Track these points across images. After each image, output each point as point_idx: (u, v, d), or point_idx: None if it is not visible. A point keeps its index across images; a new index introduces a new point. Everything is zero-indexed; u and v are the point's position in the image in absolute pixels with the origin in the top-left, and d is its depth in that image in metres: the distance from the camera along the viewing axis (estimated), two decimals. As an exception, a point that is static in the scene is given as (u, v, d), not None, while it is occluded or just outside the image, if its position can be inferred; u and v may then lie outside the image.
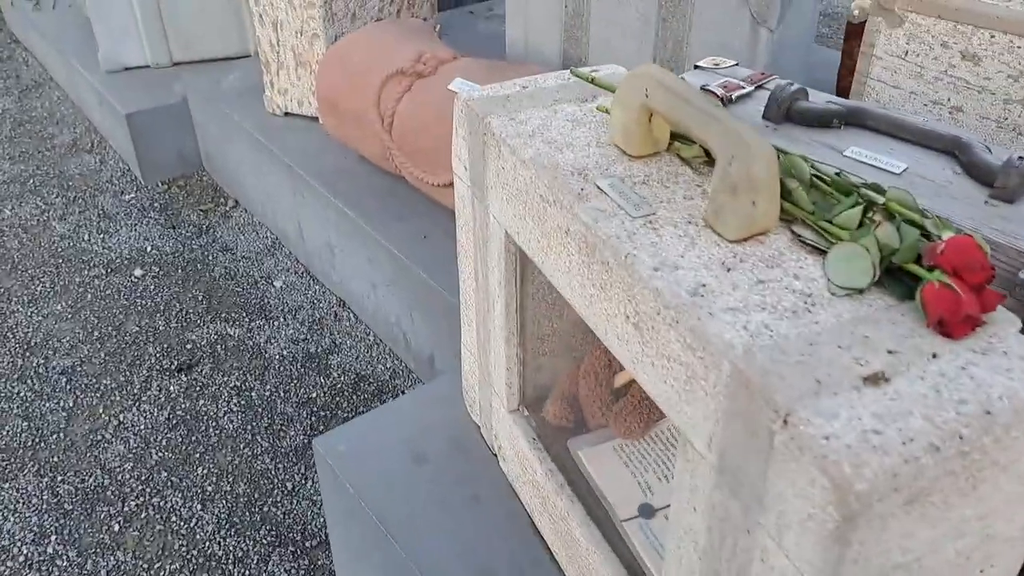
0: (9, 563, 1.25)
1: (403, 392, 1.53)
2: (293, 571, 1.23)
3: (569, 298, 0.64)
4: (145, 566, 1.24)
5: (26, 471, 1.40)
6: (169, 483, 1.37)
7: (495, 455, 0.93)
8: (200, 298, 1.78)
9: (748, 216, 0.54)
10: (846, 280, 0.51)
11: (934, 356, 0.46)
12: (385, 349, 1.62)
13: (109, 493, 1.35)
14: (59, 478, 1.38)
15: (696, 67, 1.02)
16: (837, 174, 0.57)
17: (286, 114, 1.85)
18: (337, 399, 1.53)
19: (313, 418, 1.50)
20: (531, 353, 0.83)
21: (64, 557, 1.26)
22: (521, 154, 0.67)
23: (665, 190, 0.61)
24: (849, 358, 0.46)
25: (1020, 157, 0.74)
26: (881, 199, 0.54)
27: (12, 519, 1.32)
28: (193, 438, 1.46)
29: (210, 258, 1.91)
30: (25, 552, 1.27)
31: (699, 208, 0.59)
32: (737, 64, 1.01)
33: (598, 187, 0.62)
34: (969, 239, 0.48)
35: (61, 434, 1.47)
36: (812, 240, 0.54)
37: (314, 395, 1.54)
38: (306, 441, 1.45)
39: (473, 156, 0.76)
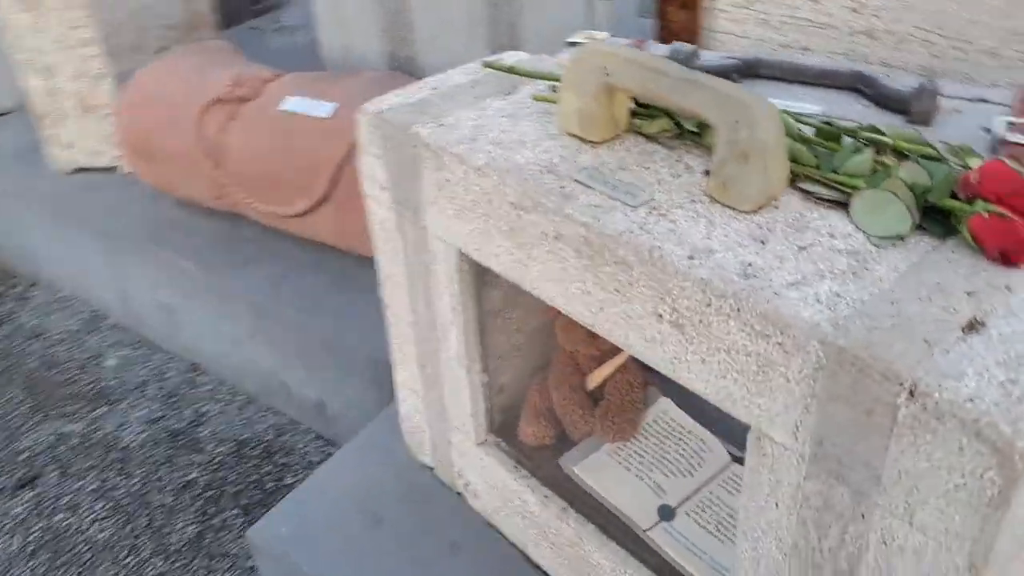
0: None
1: (298, 448, 1.39)
2: None
3: (566, 308, 0.58)
4: None
5: None
6: (50, 622, 1.16)
7: (460, 494, 0.85)
8: (21, 398, 1.53)
9: (762, 183, 0.50)
10: (884, 229, 0.48)
11: (1008, 288, 0.44)
12: (261, 406, 1.47)
13: (-24, 656, 1.13)
14: (-97, 657, 1.13)
15: (569, 43, 0.97)
16: (826, 123, 0.55)
17: (78, 170, 1.63)
18: (222, 474, 1.37)
19: (200, 502, 1.33)
20: (493, 376, 0.76)
21: None
22: (472, 161, 0.59)
23: (647, 172, 0.56)
24: (937, 309, 0.43)
25: (928, 80, 0.76)
26: (888, 140, 0.51)
27: None
28: (61, 560, 1.25)
29: (18, 349, 1.65)
30: None
31: (695, 184, 0.54)
32: (609, 35, 0.98)
33: (579, 182, 0.55)
34: (1001, 163, 0.47)
35: None
36: (826, 195, 0.51)
37: (192, 476, 1.37)
38: (199, 531, 1.28)
39: (398, 173, 0.67)
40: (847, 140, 0.53)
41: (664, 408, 0.78)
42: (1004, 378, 0.39)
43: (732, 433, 0.77)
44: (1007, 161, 0.47)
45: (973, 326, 0.42)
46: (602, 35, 0.97)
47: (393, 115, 0.65)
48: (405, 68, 1.48)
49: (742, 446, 0.77)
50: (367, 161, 0.70)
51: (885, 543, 0.45)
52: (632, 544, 0.69)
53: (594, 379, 0.76)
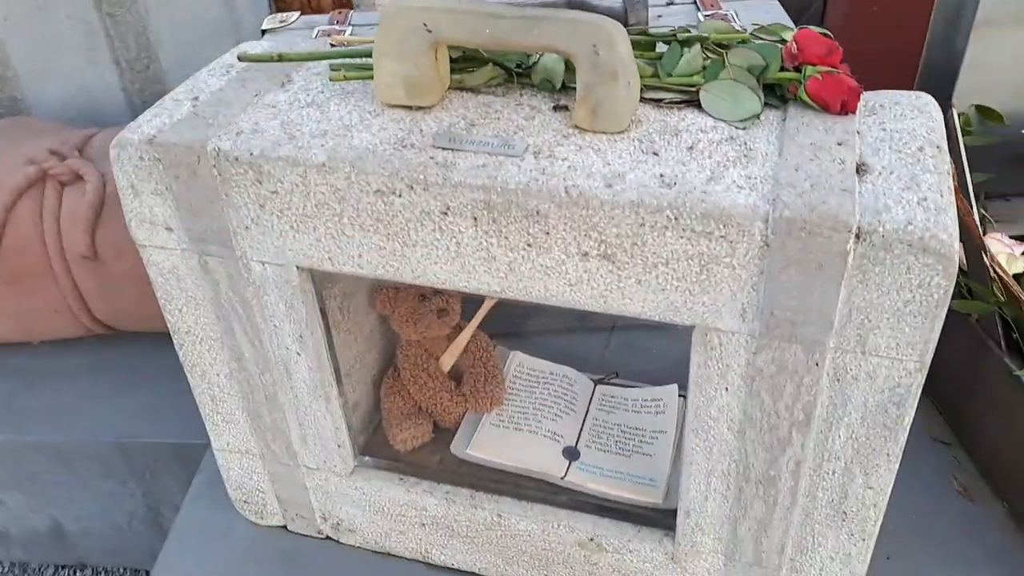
0: None
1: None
2: None
3: (465, 284, 0.54)
4: None
5: None
6: None
7: (329, 538, 0.77)
8: None
9: (630, 99, 0.52)
10: (741, 112, 0.53)
11: (859, 132, 0.51)
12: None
13: None
14: None
15: (264, 31, 0.89)
16: (643, 32, 0.57)
17: None
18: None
19: None
20: (346, 397, 0.69)
21: None
22: (309, 159, 0.52)
23: (500, 122, 0.54)
24: (828, 163, 0.48)
25: (632, -7, 0.83)
26: (702, 34, 0.56)
27: None
28: None
29: None
30: None
31: (553, 121, 0.54)
32: (300, 13, 0.91)
33: (445, 148, 0.52)
34: (809, 31, 0.54)
35: None
36: (676, 98, 0.54)
37: None
38: None
39: (192, 206, 0.56)
40: (663, 46, 0.57)
41: (519, 361, 0.78)
42: (916, 199, 0.46)
43: (581, 361, 0.80)
44: (811, 28, 0.54)
45: (861, 168, 0.48)
46: (293, 15, 0.90)
47: (172, 137, 0.54)
48: (13, 111, 1.23)
49: (596, 370, 0.80)
50: (136, 204, 0.58)
51: (839, 379, 0.51)
52: (552, 496, 0.68)
53: (448, 359, 0.73)
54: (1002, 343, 0.73)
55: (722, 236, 0.47)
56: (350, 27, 0.87)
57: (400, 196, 0.51)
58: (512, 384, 0.76)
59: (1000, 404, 0.75)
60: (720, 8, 0.86)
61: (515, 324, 0.89)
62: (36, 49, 1.18)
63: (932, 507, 0.78)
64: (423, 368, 0.71)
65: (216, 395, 0.68)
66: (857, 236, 0.45)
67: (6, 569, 1.15)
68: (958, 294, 0.76)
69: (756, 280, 0.48)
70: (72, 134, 1.06)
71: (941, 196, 0.46)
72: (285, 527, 0.78)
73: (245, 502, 0.77)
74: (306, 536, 0.77)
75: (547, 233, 0.50)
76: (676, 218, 0.47)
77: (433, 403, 0.71)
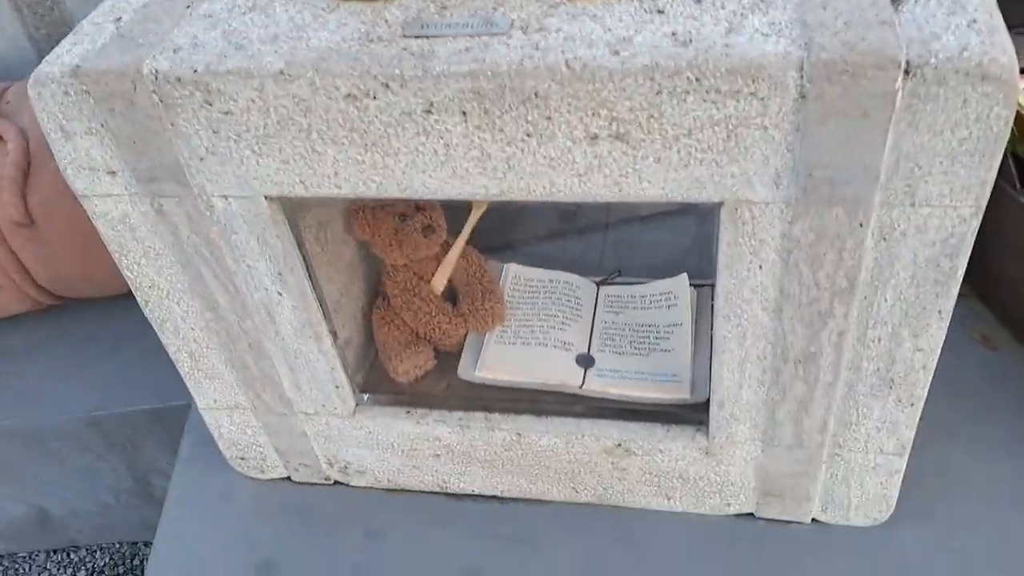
0: None
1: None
2: None
3: (457, 191, 0.48)
4: None
5: None
6: None
7: (337, 483, 0.72)
8: None
9: (618, -48, 0.45)
10: (747, -46, 0.46)
11: (879, -40, 0.45)
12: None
13: None
14: None
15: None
16: None
17: None
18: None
19: None
20: (339, 333, 0.63)
21: None
22: (266, 68, 0.45)
23: (476, 0, 0.47)
24: (857, -3, 0.42)
25: None
26: None
27: None
28: None
29: None
30: None
31: (534, -10, 0.47)
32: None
33: (419, 37, 0.45)
34: None
35: None
36: (669, -53, 0.48)
37: None
38: None
39: (135, 142, 0.49)
40: None
41: (515, 273, 0.73)
42: (965, 23, 0.40)
43: (578, 265, 0.75)
44: None
45: (895, 1, 0.42)
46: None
47: (99, 63, 0.46)
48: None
49: (596, 272, 0.75)
50: (69, 148, 0.50)
51: (885, 238, 0.46)
52: (572, 407, 0.64)
53: (440, 280, 0.67)
54: (1017, 183, 0.70)
55: (751, 93, 0.41)
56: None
57: (375, 98, 0.44)
58: (511, 297, 0.71)
59: (1017, 247, 0.72)
60: None
61: (501, 236, 0.84)
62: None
63: (954, 362, 0.75)
64: (414, 293, 0.66)
65: (194, 351, 0.62)
66: (906, 72, 0.39)
67: (-5, 563, 1.09)
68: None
69: (791, 139, 0.43)
70: (-21, 91, 0.95)
71: (991, 16, 0.41)
72: (289, 478, 0.73)
73: (242, 459, 0.72)
74: (313, 484, 0.73)
75: (548, 118, 0.44)
76: (698, 79, 0.41)
77: (431, 328, 0.66)
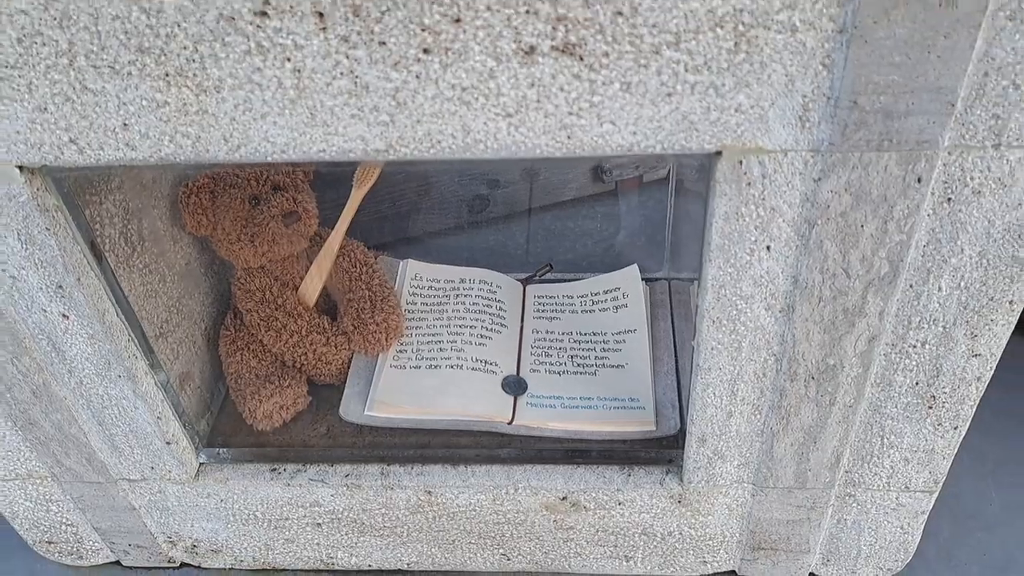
0: None
1: None
2: None
3: (318, 150, 0.31)
4: None
5: None
6: None
7: (185, 565, 0.54)
8: None
9: None
10: None
11: None
12: None
13: None
14: None
15: None
16: None
17: None
18: None
19: None
20: (168, 369, 0.45)
21: None
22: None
23: None
24: None
25: None
26: None
27: None
28: None
29: None
30: None
31: None
32: None
33: None
34: None
35: None
36: None
37: None
38: None
39: None
40: None
41: (415, 272, 0.55)
42: None
43: (495, 259, 0.58)
44: None
45: None
46: None
47: None
48: None
49: (519, 267, 0.59)
50: None
51: (950, 199, 0.32)
52: (500, 450, 0.48)
53: (311, 286, 0.49)
54: None
55: (777, -30, 0.26)
56: None
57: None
58: (411, 305, 0.53)
59: None
60: None
61: (393, 227, 0.66)
62: None
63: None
64: (276, 306, 0.48)
65: (-46, 407, 0.43)
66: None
67: None
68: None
69: (831, 47, 0.28)
70: None
71: None
72: (119, 562, 0.54)
73: (49, 543, 0.53)
74: (152, 569, 0.54)
75: (457, 20, 0.28)
76: (695, -54, 0.26)
77: (300, 352, 0.48)
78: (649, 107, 0.30)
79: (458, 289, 0.54)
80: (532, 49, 0.28)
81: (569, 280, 0.56)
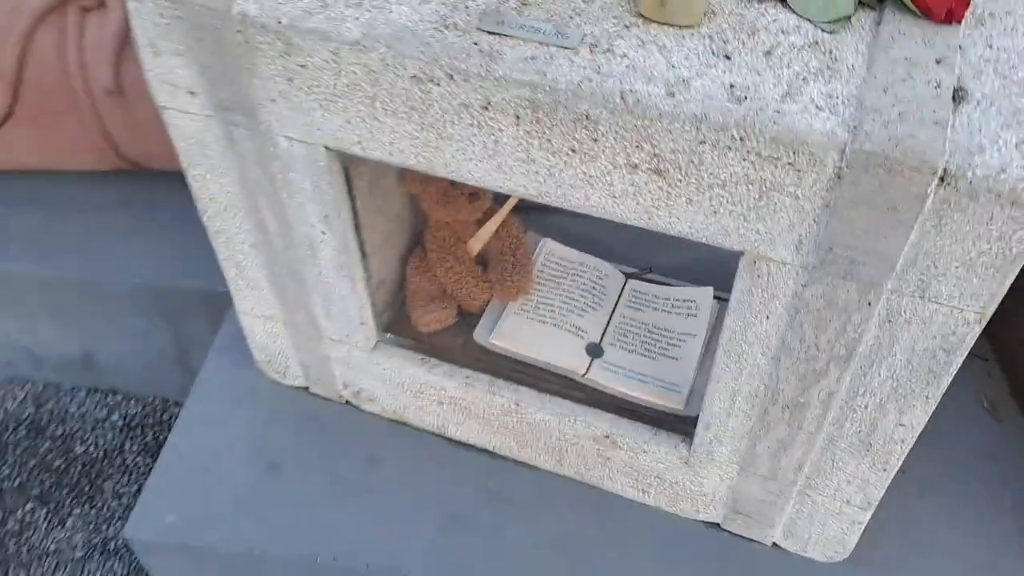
0: None
1: (71, 411, 1.18)
2: None
3: (500, 185, 0.51)
4: None
5: None
6: None
7: (348, 403, 0.77)
8: None
9: (700, -9, 0.46)
10: (832, 12, 0.46)
11: (961, 48, 0.45)
12: (3, 381, 1.21)
13: None
14: None
15: None
16: (723, -91, 0.50)
17: None
18: (-9, 474, 1.13)
19: (-20, 515, 1.10)
20: (371, 275, 0.67)
21: None
22: (342, 35, 0.47)
23: (556, 2, 0.48)
24: (923, 86, 0.43)
25: None
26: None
27: None
28: None
29: None
30: None
31: (617, 6, 0.48)
32: None
33: (491, 32, 0.47)
34: (916, -75, 0.46)
35: None
36: (754, -10, 0.48)
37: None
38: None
39: (217, 72, 0.52)
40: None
41: (550, 249, 0.75)
42: (1015, 140, 0.41)
43: (615, 252, 0.77)
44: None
45: (958, 95, 0.43)
46: None
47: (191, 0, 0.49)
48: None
49: (631, 262, 0.77)
50: (157, 64, 0.53)
51: (890, 321, 0.48)
52: (571, 391, 0.68)
53: (476, 243, 0.70)
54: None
55: (790, 163, 0.43)
56: None
57: (438, 85, 0.47)
58: (540, 273, 0.73)
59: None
60: None
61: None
62: None
63: (954, 420, 0.76)
64: (450, 251, 0.69)
65: (241, 262, 0.67)
66: (941, 179, 0.40)
67: (40, 389, 1.19)
68: None
69: (819, 213, 0.44)
70: (94, -48, 0.99)
71: (1044, 141, 0.41)
72: (307, 389, 0.79)
73: (268, 363, 0.78)
74: (327, 400, 0.78)
75: (595, 140, 0.46)
76: (742, 139, 0.42)
77: (459, 287, 0.70)
78: (701, 216, 0.47)
79: (577, 270, 0.74)
80: (635, 166, 0.46)
81: (661, 284, 0.74)
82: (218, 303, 0.98)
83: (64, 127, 0.97)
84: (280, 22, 0.48)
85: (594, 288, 0.73)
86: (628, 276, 0.75)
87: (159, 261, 1.00)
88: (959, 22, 0.46)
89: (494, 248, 0.71)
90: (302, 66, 0.49)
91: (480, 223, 0.70)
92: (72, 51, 0.92)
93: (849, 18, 0.46)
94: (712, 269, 0.79)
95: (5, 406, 1.19)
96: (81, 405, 1.19)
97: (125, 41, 0.92)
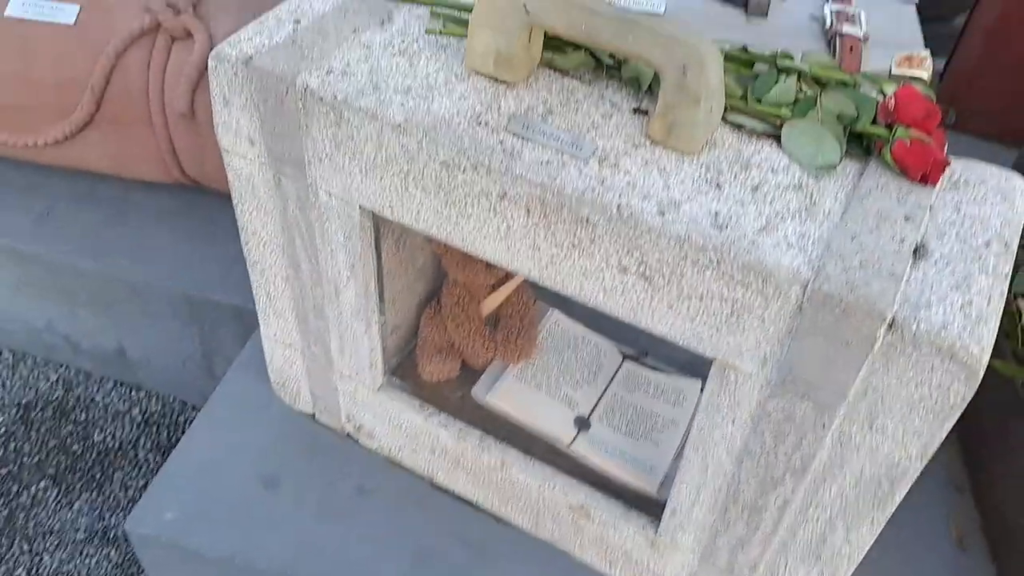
0: None
1: (97, 400, 1.25)
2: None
3: (507, 263, 0.56)
4: None
5: None
6: None
7: (349, 436, 0.83)
8: None
9: (706, 124, 0.51)
10: (819, 160, 0.52)
11: (931, 208, 0.50)
12: (37, 362, 1.29)
13: None
14: None
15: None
16: (743, 49, 0.56)
17: None
18: (12, 445, 1.21)
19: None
20: (387, 320, 0.72)
21: None
22: (388, 117, 0.53)
23: (578, 115, 0.54)
24: (887, 240, 0.48)
25: (761, -26, 0.79)
26: (802, 66, 0.54)
27: None
28: None
29: None
30: None
31: (628, 125, 0.54)
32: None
33: (516, 134, 0.52)
34: (911, 89, 0.51)
35: None
36: (758, 128, 0.53)
37: (-25, 456, 1.20)
38: (6, 514, 1.13)
39: (275, 128, 0.59)
40: (761, 66, 0.55)
41: (556, 320, 0.80)
42: (961, 302, 0.45)
43: (618, 333, 0.82)
44: (914, 84, 0.52)
45: (919, 252, 0.47)
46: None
47: (266, 62, 0.56)
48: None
49: (631, 343, 0.82)
50: (226, 113, 0.60)
51: (841, 444, 0.52)
52: (555, 458, 0.72)
53: (488, 305, 0.75)
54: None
55: (759, 290, 0.47)
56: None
57: (464, 172, 0.53)
58: (543, 342, 0.78)
59: (1019, 472, 0.75)
60: (850, 4, 0.81)
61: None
62: None
63: (921, 546, 0.79)
64: (463, 309, 0.74)
65: (271, 292, 0.73)
66: (890, 326, 0.45)
67: (72, 373, 1.27)
68: (1006, 355, 0.74)
69: (783, 337, 0.49)
70: (191, -14, 1.08)
71: (988, 303, 0.45)
72: (313, 416, 0.84)
73: (282, 386, 0.83)
74: (331, 429, 0.83)
75: (592, 241, 0.51)
76: (718, 262, 0.47)
77: (466, 344, 0.75)
78: (680, 321, 0.52)
79: (579, 343, 0.79)
80: (625, 268, 0.51)
81: (654, 369, 0.79)
82: (248, 320, 1.05)
83: (136, 139, 1.05)
84: (336, 97, 0.55)
85: (591, 363, 0.77)
86: (625, 357, 0.79)
87: (201, 272, 1.08)
88: (934, 184, 0.50)
89: (504, 311, 0.77)
90: (349, 137, 0.56)
91: (495, 287, 0.75)
92: (155, 73, 1.01)
93: (835, 166, 0.52)
94: (704, 361, 0.84)
95: (38, 386, 1.27)
96: (107, 396, 1.26)
97: (204, 71, 1.01)
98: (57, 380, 1.27)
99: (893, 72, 0.74)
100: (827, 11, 0.79)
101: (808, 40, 0.78)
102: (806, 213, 0.49)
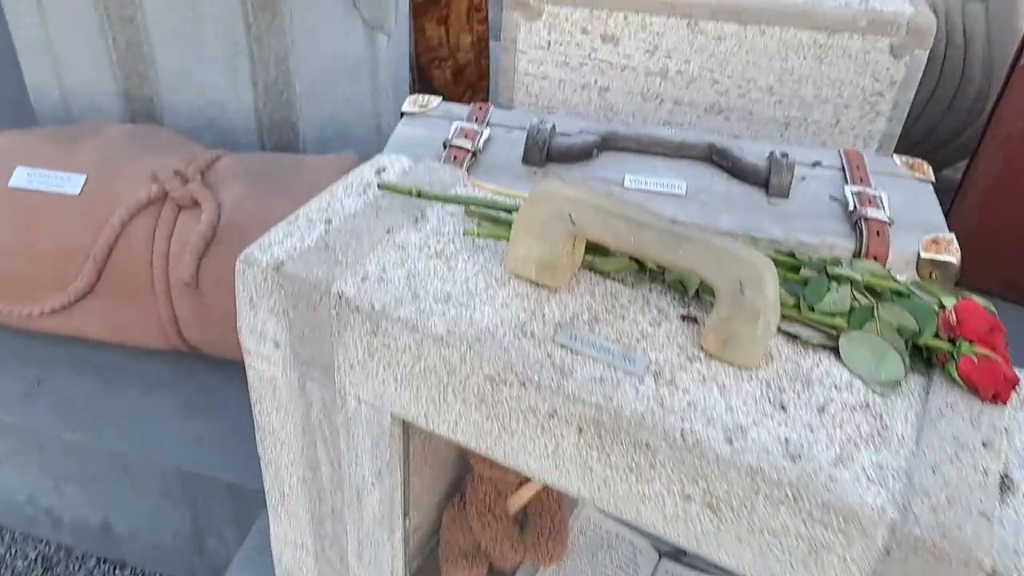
0: None
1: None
2: None
3: (556, 482, 0.52)
4: None
5: None
6: None
7: (362, 640, 0.76)
8: None
9: (764, 339, 0.49)
10: (883, 375, 0.49)
11: (1007, 431, 0.47)
12: (15, 537, 1.20)
13: None
14: None
15: (404, 114, 0.89)
16: (790, 255, 0.54)
17: None
18: (-18, 634, 1.11)
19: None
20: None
21: None
22: (429, 328, 0.51)
23: (625, 322, 0.52)
24: (970, 471, 0.45)
25: (783, 153, 0.80)
26: (855, 275, 0.52)
27: None
28: None
29: None
30: None
31: (679, 335, 0.51)
32: (441, 98, 0.91)
33: (564, 346, 0.50)
34: (973, 303, 0.50)
35: None
36: (815, 340, 0.51)
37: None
38: None
39: (304, 334, 0.56)
40: (808, 271, 0.54)
41: (587, 517, 0.76)
42: (1062, 545, 0.42)
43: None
44: (974, 298, 0.50)
45: (1005, 486, 0.44)
46: (434, 100, 0.90)
47: (299, 268, 0.54)
48: (145, 110, 1.26)
49: (664, 542, 0.77)
50: (252, 315, 0.58)
51: None
52: (594, 675, 0.66)
53: (516, 502, 0.71)
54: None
55: (841, 530, 0.44)
56: (488, 128, 0.86)
57: (510, 387, 0.50)
58: (575, 541, 0.74)
59: None
60: (869, 185, 0.81)
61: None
62: (180, 56, 1.20)
63: None
64: (490, 508, 0.70)
65: (285, 492, 0.68)
66: (989, 575, 0.41)
67: (52, 550, 1.18)
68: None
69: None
70: (198, 153, 1.08)
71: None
72: (321, 617, 0.77)
73: (289, 585, 0.77)
74: (339, 632, 0.77)
75: (652, 466, 0.48)
76: (795, 499, 0.44)
77: (493, 545, 0.70)
78: (750, 555, 0.48)
79: (613, 542, 0.74)
80: (689, 497, 0.48)
81: (692, 568, 0.74)
82: (244, 498, 0.99)
83: (137, 307, 1.02)
84: (373, 307, 0.52)
85: (627, 564, 0.72)
86: (662, 555, 0.75)
87: (195, 445, 1.02)
88: (1004, 402, 0.48)
89: (532, 509, 0.72)
90: (385, 346, 0.53)
91: (522, 482, 0.71)
92: (160, 242, 0.99)
93: (899, 382, 0.49)
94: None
95: (15, 565, 1.18)
96: (89, 574, 1.18)
97: (210, 240, 0.99)
98: (36, 558, 1.18)
99: (922, 256, 0.73)
100: (848, 192, 0.79)
101: (831, 222, 0.78)
102: (879, 439, 0.46)
